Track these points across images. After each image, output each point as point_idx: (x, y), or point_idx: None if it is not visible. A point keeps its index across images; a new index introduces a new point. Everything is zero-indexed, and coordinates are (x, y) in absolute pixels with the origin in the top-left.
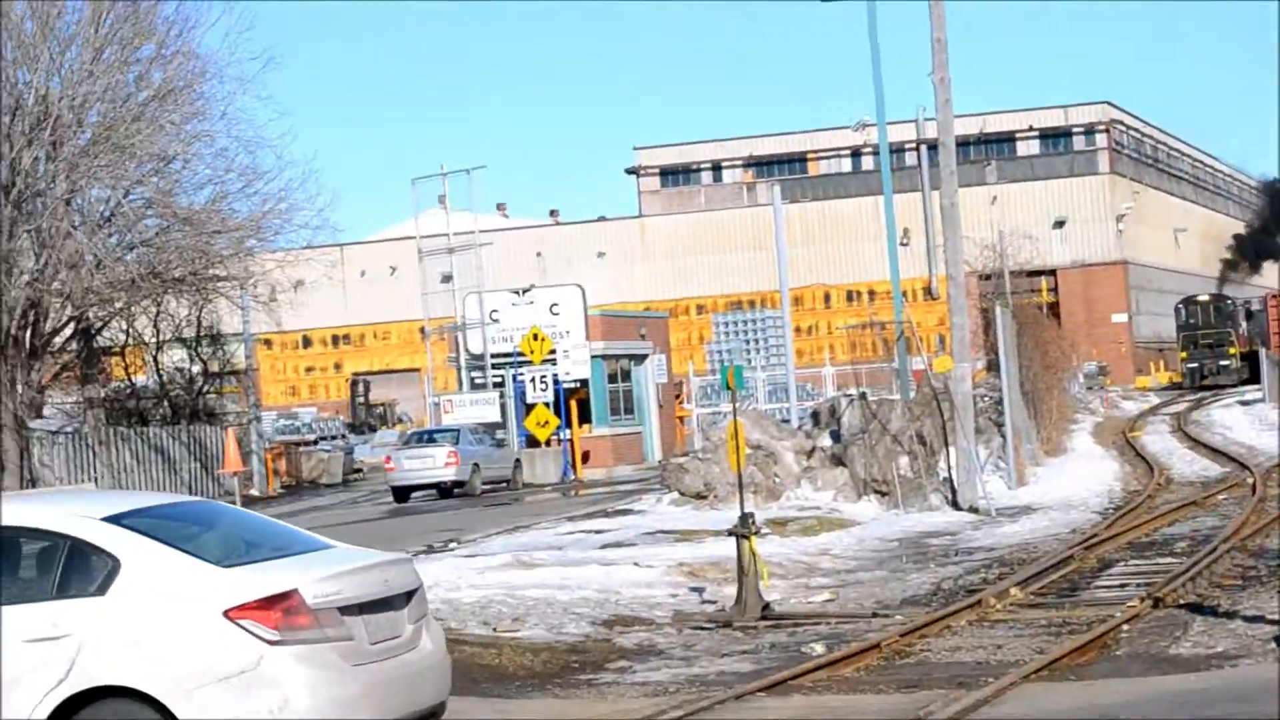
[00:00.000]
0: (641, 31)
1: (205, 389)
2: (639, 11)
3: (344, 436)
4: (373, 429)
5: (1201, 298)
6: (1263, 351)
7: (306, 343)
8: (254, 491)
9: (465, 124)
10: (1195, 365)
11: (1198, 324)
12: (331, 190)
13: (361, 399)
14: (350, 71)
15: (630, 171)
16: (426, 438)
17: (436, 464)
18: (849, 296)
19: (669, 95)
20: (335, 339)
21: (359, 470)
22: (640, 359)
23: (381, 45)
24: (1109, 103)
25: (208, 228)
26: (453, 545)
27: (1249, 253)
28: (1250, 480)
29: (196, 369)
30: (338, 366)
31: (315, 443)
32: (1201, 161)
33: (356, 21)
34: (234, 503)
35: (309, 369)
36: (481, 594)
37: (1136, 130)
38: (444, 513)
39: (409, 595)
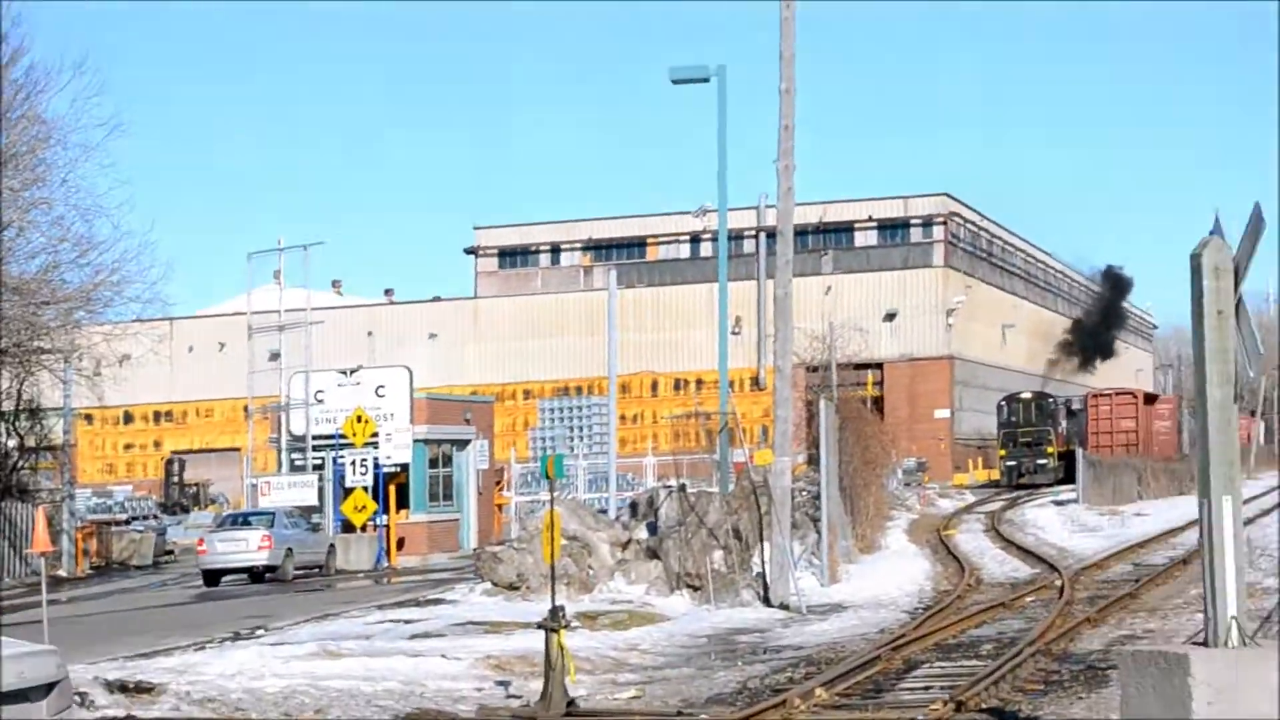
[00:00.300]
0: (484, 109)
1: (20, 465)
2: (482, 90)
3: (156, 516)
4: (185, 509)
5: (1024, 395)
6: (1079, 451)
7: (128, 419)
8: (62, 572)
9: (305, 198)
10: (1013, 463)
11: (1018, 421)
12: (165, 262)
13: (175, 478)
14: (191, 140)
15: (469, 251)
16: (241, 520)
17: (250, 547)
18: (676, 385)
19: (510, 175)
20: (158, 415)
21: (171, 552)
22: (463, 444)
23: (223, 115)
24: (948, 195)
25: (37, 298)
26: (260, 632)
27: (1086, 342)
28: (1059, 582)
29: (12, 443)
30: (158, 444)
31: (128, 522)
32: (1034, 257)
33: (200, 91)
34: (40, 584)
35: (128, 446)
36: (285, 683)
37: (973, 224)
38: (254, 598)
39: (48, 688)
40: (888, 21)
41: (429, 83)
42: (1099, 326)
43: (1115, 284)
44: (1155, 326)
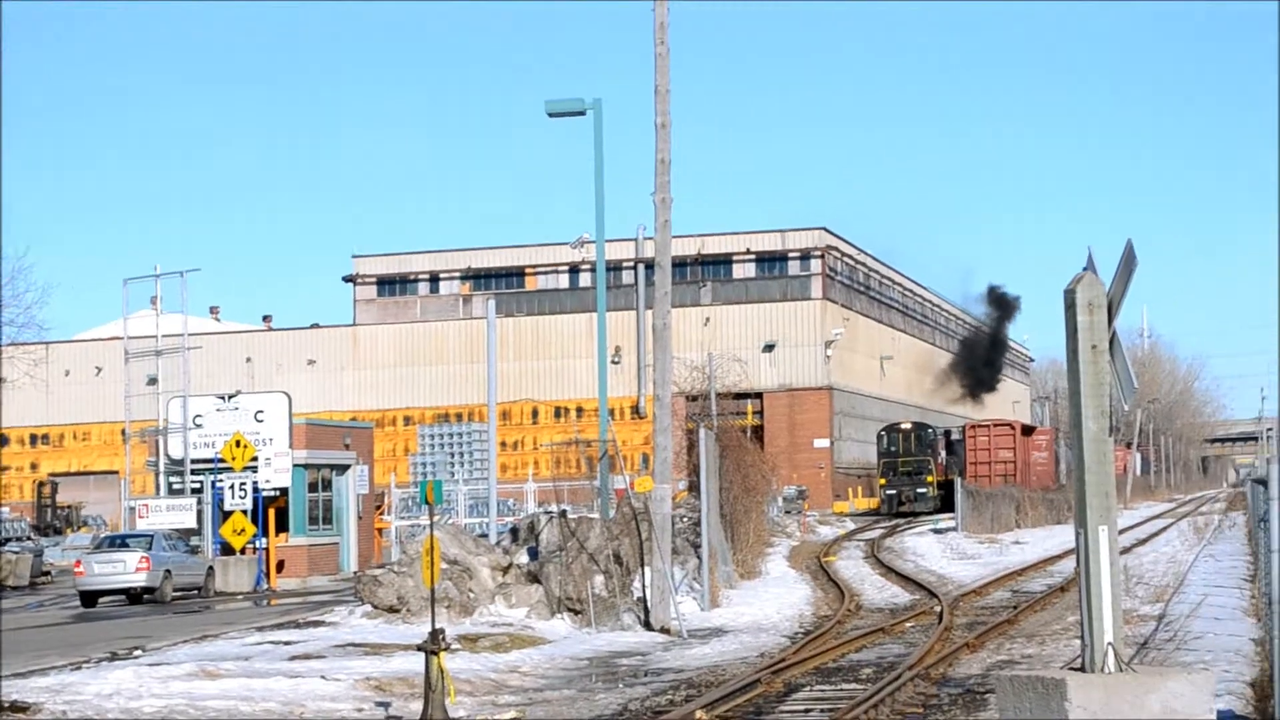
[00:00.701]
0: (364, 139)
1: None
2: (360, 119)
3: (30, 538)
4: (58, 531)
5: (904, 425)
6: (958, 481)
7: (3, 441)
8: None
9: (183, 225)
10: (894, 492)
11: (898, 451)
12: (41, 286)
13: (48, 501)
14: (68, 164)
15: (348, 279)
16: (119, 542)
17: (127, 569)
18: (557, 413)
19: (389, 204)
20: (34, 438)
21: (48, 573)
22: (343, 469)
23: (101, 139)
24: (825, 229)
25: None
26: (138, 652)
27: (975, 364)
28: (938, 609)
29: None
30: (34, 466)
31: (2, 544)
32: (911, 291)
33: (77, 114)
34: None
35: (4, 468)
36: (163, 704)
37: (850, 257)
38: (132, 619)
39: None
40: (765, 57)
41: (308, 111)
42: (989, 348)
43: (1000, 302)
44: (1032, 359)
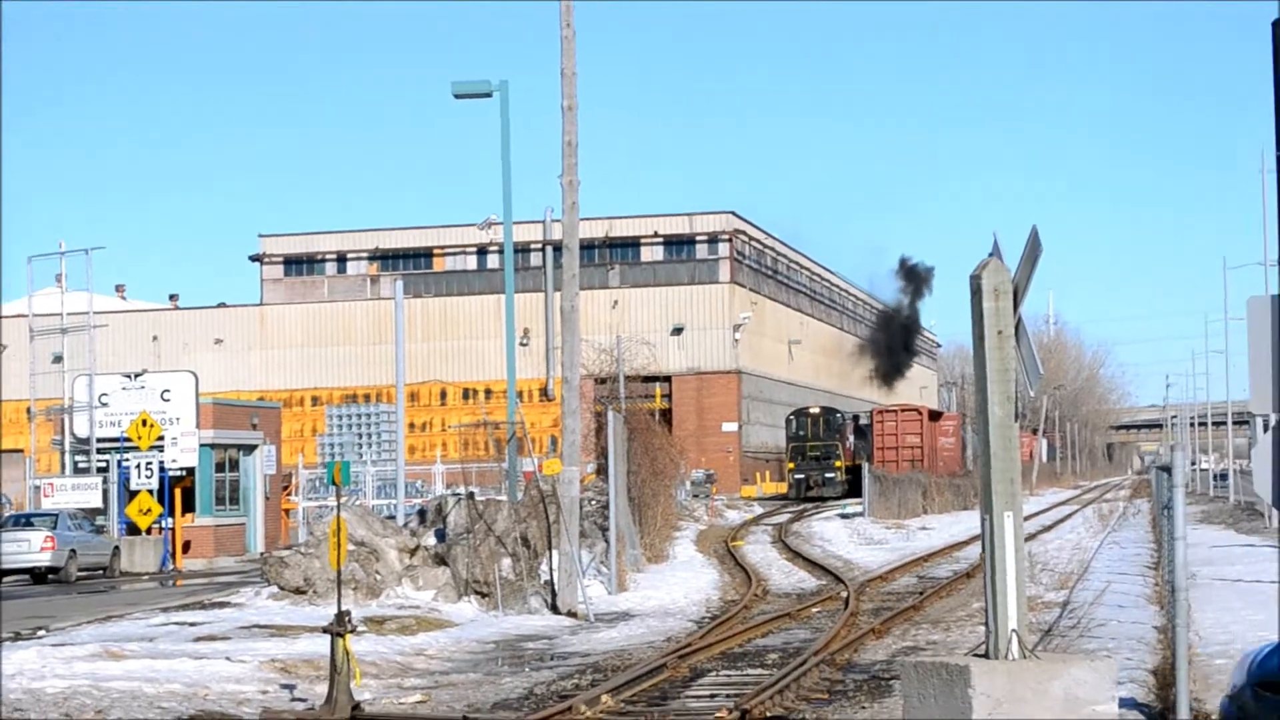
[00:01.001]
0: (272, 117)
1: None
2: (268, 97)
3: None
4: None
5: (812, 410)
6: (865, 466)
7: None
8: None
9: (88, 202)
10: (802, 476)
11: (807, 436)
12: None
13: None
14: None
15: (254, 258)
16: (24, 521)
17: (32, 548)
18: (465, 394)
19: (297, 183)
20: None
21: None
22: (250, 449)
23: (9, 117)
24: (733, 213)
25: None
26: (41, 632)
27: (893, 341)
28: (844, 594)
29: None
30: None
31: None
32: (820, 275)
33: None
34: None
35: None
36: (67, 684)
37: (759, 241)
38: (36, 599)
39: None
40: (674, 40)
41: (215, 88)
42: (904, 323)
43: (911, 274)
44: (939, 345)
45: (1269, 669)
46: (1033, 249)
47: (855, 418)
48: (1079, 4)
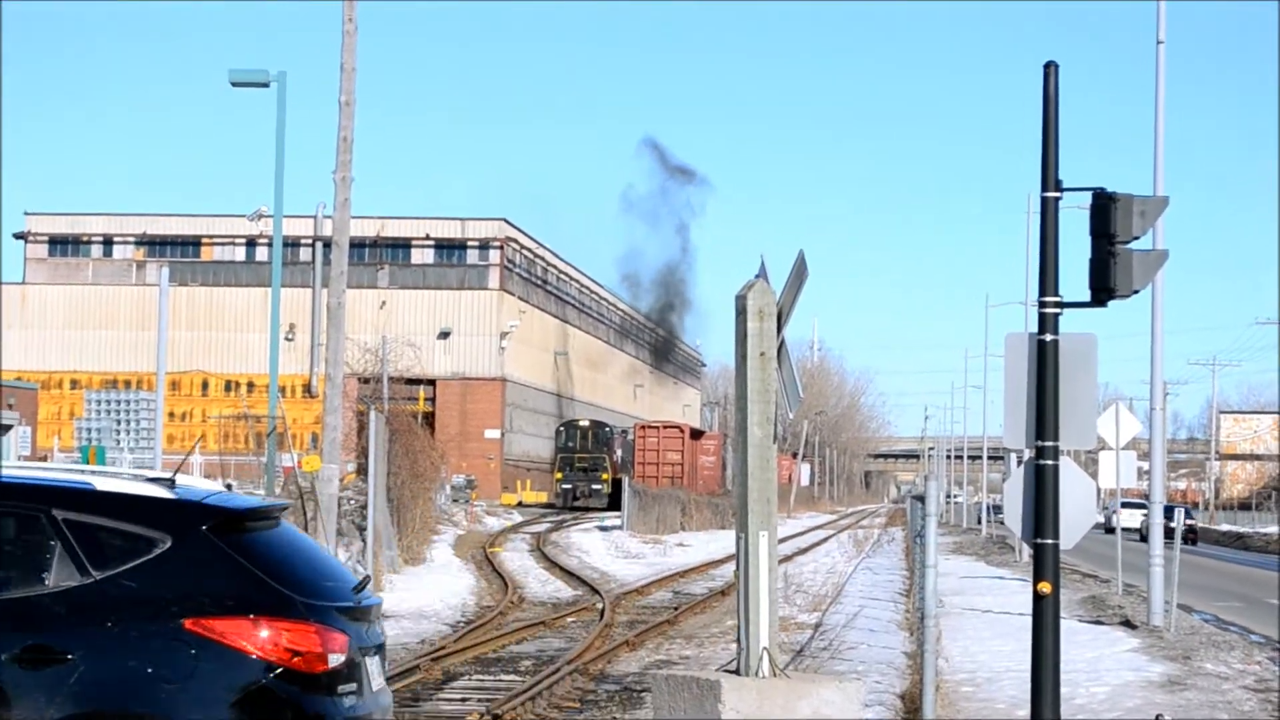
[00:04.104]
0: (41, 92)
1: None
2: (42, 71)
3: None
4: None
5: (582, 423)
6: (625, 480)
7: None
8: None
9: None
10: (569, 487)
11: (575, 447)
12: None
13: None
14: None
15: (18, 236)
16: None
17: None
18: (228, 386)
19: (65, 161)
20: None
21: None
22: (5, 429)
23: None
24: (505, 220)
25: None
26: None
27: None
28: (600, 605)
29: None
30: None
31: None
32: (588, 288)
33: None
34: None
35: None
36: None
37: (529, 250)
38: None
39: None
40: (456, 44)
41: None
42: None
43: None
44: (704, 364)
45: None
46: (799, 273)
47: (624, 432)
48: (862, 23)
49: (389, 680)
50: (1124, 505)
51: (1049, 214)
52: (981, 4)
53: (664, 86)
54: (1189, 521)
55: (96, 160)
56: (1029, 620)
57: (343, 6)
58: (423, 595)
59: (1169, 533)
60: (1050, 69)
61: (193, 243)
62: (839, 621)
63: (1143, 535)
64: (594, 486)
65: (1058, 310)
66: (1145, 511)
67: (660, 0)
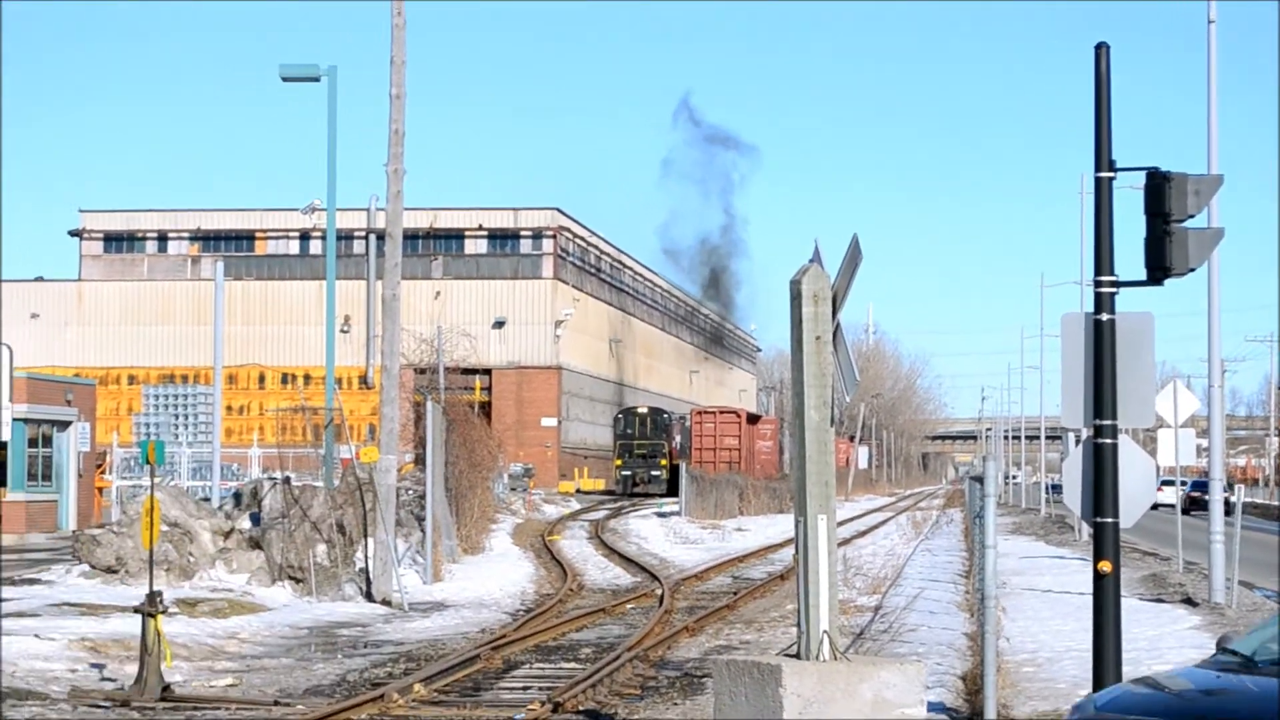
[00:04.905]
0: (95, 91)
1: None
2: (95, 70)
3: None
4: None
5: (640, 410)
6: (682, 465)
7: None
8: None
9: None
10: (629, 473)
11: (634, 434)
12: None
13: None
14: None
15: (74, 234)
16: None
17: None
18: (285, 379)
19: (119, 159)
20: None
21: None
22: (64, 425)
23: None
24: (558, 209)
25: None
26: None
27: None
28: (659, 591)
29: None
30: None
31: None
32: (641, 275)
33: None
34: None
35: None
36: None
37: (582, 239)
38: None
39: None
40: (505, 35)
41: (38, 58)
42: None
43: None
44: (759, 349)
45: (1113, 706)
46: (853, 257)
47: (682, 418)
48: (912, 9)
49: (452, 669)
50: (1163, 483)
51: (1103, 194)
52: None
53: (716, 71)
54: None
55: (150, 157)
56: (1089, 599)
57: (390, 4)
58: (482, 584)
59: (1227, 508)
60: (1101, 50)
61: (247, 237)
62: (899, 604)
63: (1184, 510)
64: (653, 473)
65: (1114, 289)
66: (1182, 487)
67: None
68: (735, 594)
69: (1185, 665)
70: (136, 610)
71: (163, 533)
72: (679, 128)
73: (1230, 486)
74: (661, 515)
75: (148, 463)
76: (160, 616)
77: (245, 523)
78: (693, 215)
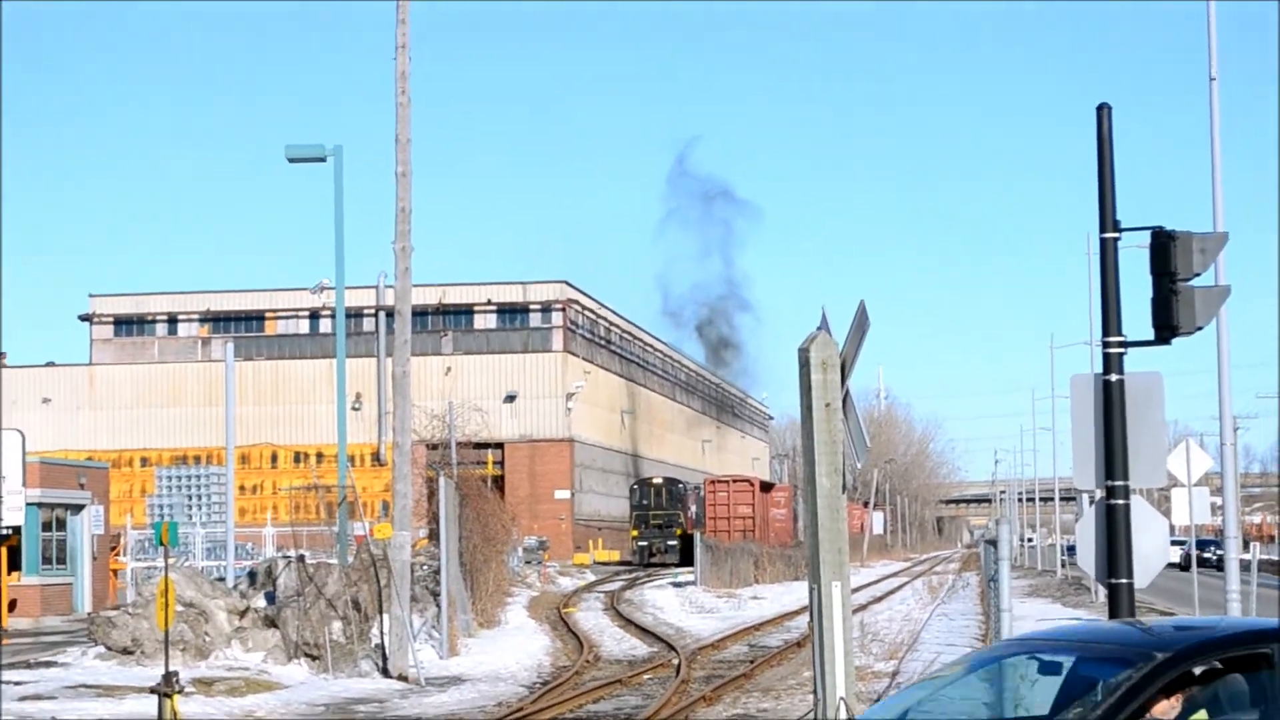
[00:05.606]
0: (102, 175)
1: None
2: (101, 153)
3: None
4: None
5: (655, 480)
6: (697, 535)
7: None
8: None
9: None
10: (645, 544)
11: (650, 504)
12: None
13: None
14: None
15: (84, 318)
16: None
17: None
18: (297, 457)
19: (127, 243)
20: None
21: None
22: (78, 508)
23: None
24: (567, 282)
25: None
26: None
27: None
28: (676, 661)
29: None
30: None
31: None
32: (651, 345)
33: None
34: None
35: None
36: None
37: (591, 311)
38: None
39: None
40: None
41: (43, 144)
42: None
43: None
44: (771, 417)
45: None
46: (860, 323)
47: (696, 488)
48: (917, 73)
49: None
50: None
51: (1108, 255)
52: (1035, 46)
53: (719, 133)
54: (1219, 552)
55: (158, 240)
56: None
57: (395, 79)
58: (498, 658)
59: (1243, 564)
60: (1103, 111)
61: (256, 317)
62: (916, 669)
63: (1182, 566)
64: (669, 542)
65: (1122, 350)
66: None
67: (714, 42)
68: (752, 662)
69: None
70: (153, 691)
71: (178, 613)
72: (676, 183)
73: (1246, 544)
74: (677, 585)
75: (161, 544)
76: (176, 697)
77: (260, 601)
78: (691, 265)
